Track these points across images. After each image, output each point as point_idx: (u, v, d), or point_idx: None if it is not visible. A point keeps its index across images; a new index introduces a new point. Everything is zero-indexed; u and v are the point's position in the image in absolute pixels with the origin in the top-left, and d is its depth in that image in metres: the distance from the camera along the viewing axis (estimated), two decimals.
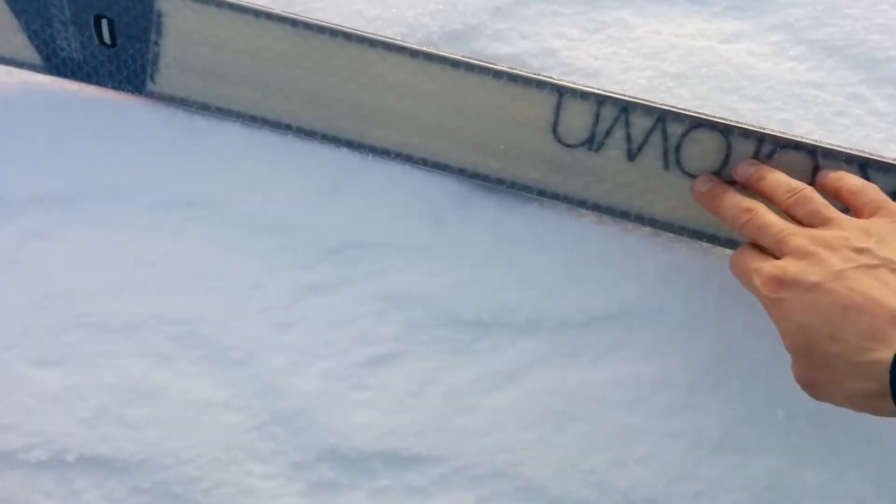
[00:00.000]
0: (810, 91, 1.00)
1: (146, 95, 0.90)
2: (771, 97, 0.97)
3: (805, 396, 0.71)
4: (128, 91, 0.91)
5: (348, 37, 0.83)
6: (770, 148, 0.74)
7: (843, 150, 0.74)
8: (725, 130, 0.75)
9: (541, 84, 0.79)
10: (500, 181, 0.83)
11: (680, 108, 0.76)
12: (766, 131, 0.74)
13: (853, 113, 0.95)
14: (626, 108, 0.78)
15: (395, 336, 0.83)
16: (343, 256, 0.85)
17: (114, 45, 0.89)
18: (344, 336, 0.83)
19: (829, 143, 0.75)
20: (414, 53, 0.82)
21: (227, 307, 0.86)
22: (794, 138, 0.74)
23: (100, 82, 0.92)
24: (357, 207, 0.88)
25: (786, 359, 0.74)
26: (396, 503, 0.75)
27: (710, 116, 0.75)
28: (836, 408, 0.73)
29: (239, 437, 0.78)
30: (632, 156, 0.79)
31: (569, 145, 0.80)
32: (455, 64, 0.81)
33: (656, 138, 0.77)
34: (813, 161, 0.74)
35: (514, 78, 0.80)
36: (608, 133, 0.79)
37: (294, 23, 0.84)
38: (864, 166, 0.73)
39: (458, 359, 0.80)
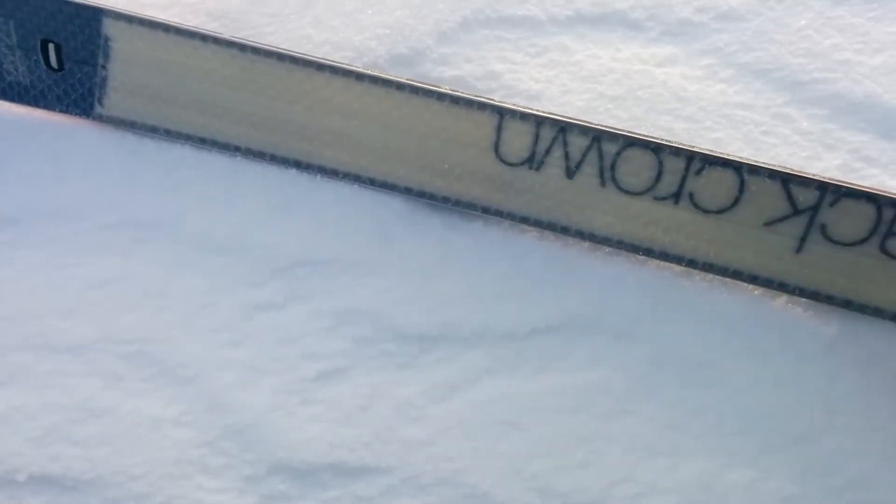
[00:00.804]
0: (739, 112, 1.06)
1: (94, 119, 0.92)
2: (703, 117, 1.03)
3: (735, 401, 0.76)
4: (76, 114, 0.93)
5: (295, 61, 0.87)
6: (699, 165, 0.79)
7: (766, 166, 0.80)
8: (657, 149, 0.80)
9: (482, 106, 0.84)
10: (445, 199, 0.88)
11: (614, 129, 0.81)
12: (694, 149, 0.79)
13: (780, 132, 1.02)
14: (563, 128, 0.83)
15: (344, 351, 0.86)
16: (292, 274, 0.88)
17: (61, 69, 0.92)
18: (293, 352, 0.86)
19: (754, 161, 0.81)
20: (360, 77, 0.86)
21: (176, 326, 0.88)
22: (721, 156, 0.80)
23: (47, 106, 0.94)
24: (306, 226, 0.92)
25: (715, 366, 0.80)
26: None
27: (643, 136, 0.80)
28: (764, 410, 0.78)
29: (189, 452, 0.80)
30: (570, 173, 0.84)
31: (510, 164, 0.85)
32: (400, 87, 0.85)
33: (593, 157, 0.82)
34: (739, 177, 0.80)
35: (456, 100, 0.84)
36: (547, 152, 0.84)
37: (242, 47, 0.88)
38: (787, 182, 0.79)
39: (405, 372, 0.84)
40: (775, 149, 0.99)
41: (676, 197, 0.81)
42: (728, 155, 0.80)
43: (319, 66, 0.83)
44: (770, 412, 0.78)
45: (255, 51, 0.83)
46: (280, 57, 0.83)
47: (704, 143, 0.98)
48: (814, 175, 0.78)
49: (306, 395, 0.82)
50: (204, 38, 0.83)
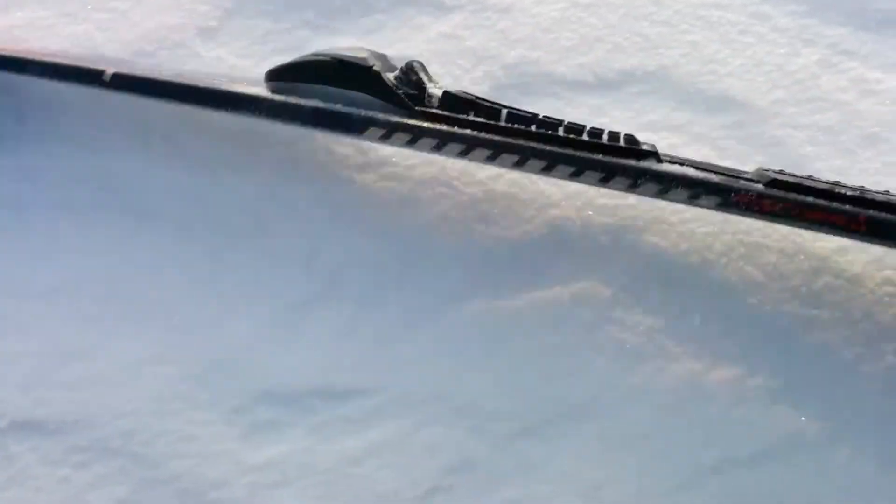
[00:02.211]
0: (715, 13, 1.05)
1: None
2: (678, 21, 1.02)
3: (719, 301, 0.77)
4: None
5: None
6: None
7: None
8: None
9: None
10: None
11: None
12: None
13: (757, 31, 1.01)
14: None
15: (323, 279, 0.86)
16: (260, 208, 0.89)
17: None
18: (272, 282, 0.87)
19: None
20: None
21: (149, 265, 0.89)
22: None
23: None
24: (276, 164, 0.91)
25: (700, 270, 0.81)
26: (335, 436, 0.78)
27: None
28: (748, 311, 0.79)
29: (176, 387, 0.81)
30: None
31: None
32: None
33: None
34: None
35: None
36: None
37: None
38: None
39: (386, 296, 0.84)
40: (752, 48, 0.98)
41: None
42: None
43: None
44: (753, 313, 0.79)
45: None
46: None
47: (681, 46, 0.98)
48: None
49: (288, 323, 0.83)
50: None
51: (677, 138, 0.90)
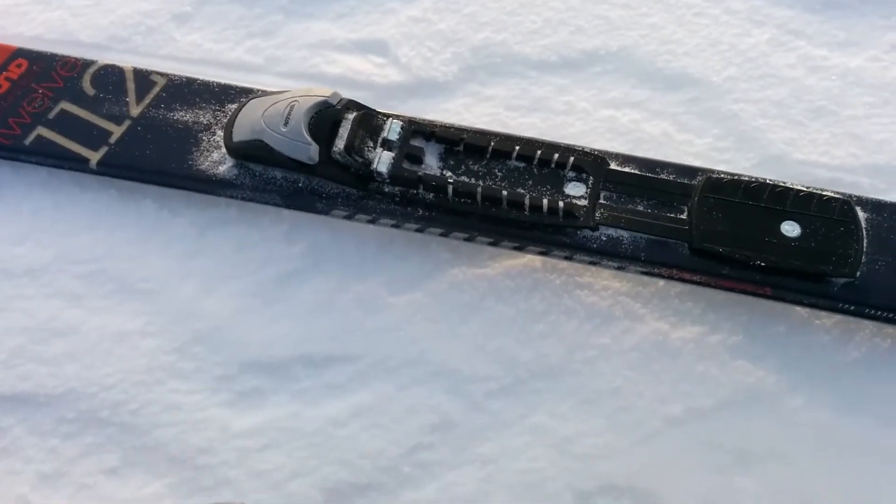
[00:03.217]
0: None
1: None
2: (638, 4, 1.07)
3: None
4: None
5: None
6: None
7: None
8: None
9: None
10: None
11: None
12: None
13: (711, 13, 1.06)
14: None
15: (301, 254, 0.89)
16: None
17: None
18: (251, 258, 0.89)
19: None
20: None
21: (131, 243, 0.91)
22: None
23: None
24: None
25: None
26: (319, 400, 0.81)
27: None
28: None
29: (160, 359, 0.83)
30: None
31: None
32: None
33: None
34: None
35: None
36: None
37: None
38: None
39: (364, 268, 0.87)
40: (707, 29, 1.03)
41: None
42: None
43: None
44: None
45: None
46: None
47: (640, 28, 1.02)
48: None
49: (269, 296, 0.86)
50: None
51: (638, 114, 0.95)
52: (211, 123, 0.91)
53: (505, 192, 0.82)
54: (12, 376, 0.81)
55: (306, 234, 0.90)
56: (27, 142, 0.92)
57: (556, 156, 0.85)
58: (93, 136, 0.93)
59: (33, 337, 0.84)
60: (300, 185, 0.87)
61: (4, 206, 0.93)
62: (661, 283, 0.85)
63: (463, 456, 0.77)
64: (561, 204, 0.81)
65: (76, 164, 0.92)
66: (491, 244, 0.85)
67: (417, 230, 0.86)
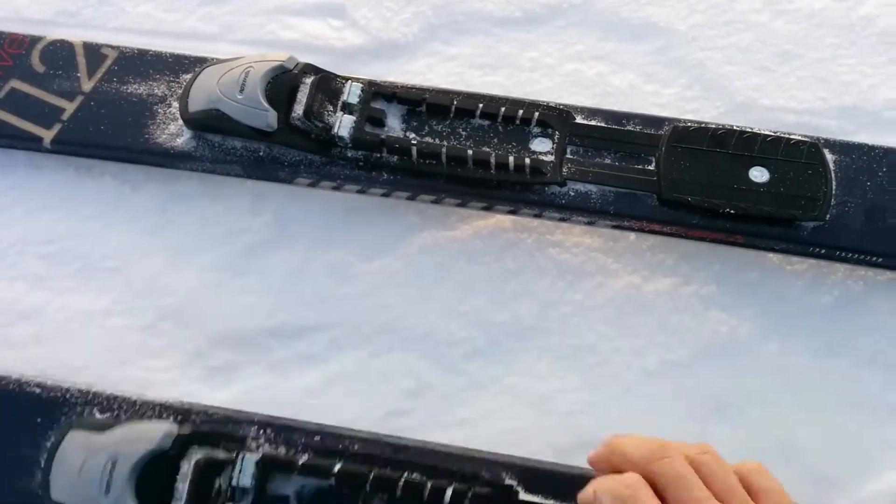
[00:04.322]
0: None
1: None
2: None
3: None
4: None
5: None
6: None
7: None
8: None
9: None
10: None
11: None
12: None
13: None
14: None
15: (267, 224, 0.89)
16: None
17: None
18: (217, 232, 0.90)
19: None
20: None
21: (93, 220, 0.90)
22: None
23: None
24: None
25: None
26: (294, 371, 0.82)
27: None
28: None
29: (129, 337, 0.84)
30: None
31: None
32: None
33: None
34: None
35: None
36: None
37: None
38: None
39: (333, 236, 0.88)
40: None
41: None
42: None
43: None
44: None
45: None
46: None
47: None
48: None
49: (237, 269, 0.86)
50: None
51: (604, 66, 0.96)
52: (166, 95, 0.91)
53: (470, 152, 0.82)
54: None
55: (271, 204, 0.90)
56: None
57: (521, 112, 0.85)
58: (45, 114, 0.92)
59: None
60: (261, 153, 0.87)
61: None
62: (633, 236, 0.86)
63: (441, 419, 0.78)
64: (527, 161, 0.82)
65: (30, 143, 0.92)
66: (459, 205, 0.86)
67: (384, 195, 0.86)
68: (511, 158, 0.82)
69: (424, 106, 0.86)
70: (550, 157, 0.84)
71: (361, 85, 0.86)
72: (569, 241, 0.87)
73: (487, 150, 0.85)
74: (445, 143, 0.86)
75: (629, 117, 0.88)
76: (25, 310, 0.85)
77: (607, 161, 0.85)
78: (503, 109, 0.86)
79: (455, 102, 0.86)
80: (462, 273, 0.86)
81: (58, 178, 0.94)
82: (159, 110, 0.92)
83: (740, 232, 0.81)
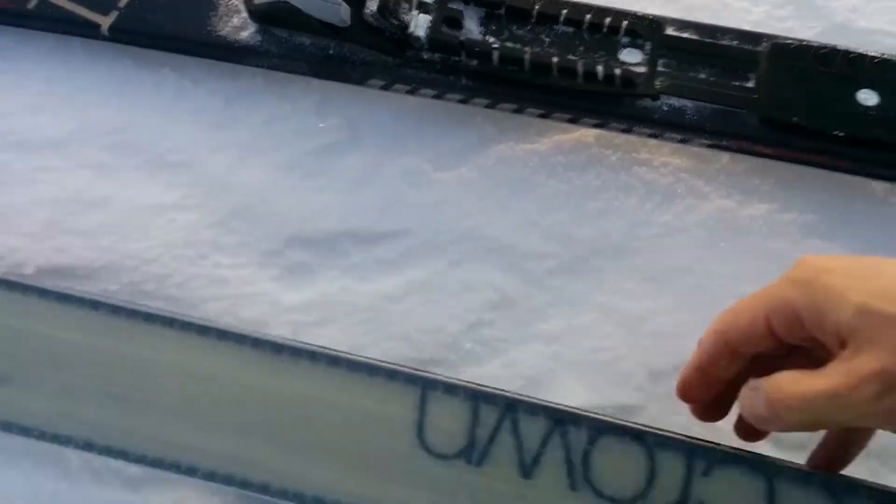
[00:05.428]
0: None
1: None
2: None
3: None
4: None
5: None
6: (702, 465, 0.62)
7: None
8: (639, 436, 0.65)
9: (393, 374, 0.65)
10: None
11: (580, 410, 0.63)
12: (690, 440, 0.62)
13: None
14: (511, 405, 0.64)
15: (339, 126, 0.88)
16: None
17: None
18: (285, 130, 0.88)
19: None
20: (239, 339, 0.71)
21: (157, 113, 0.89)
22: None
23: None
24: None
25: None
26: (371, 276, 0.82)
27: (620, 420, 0.62)
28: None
29: (200, 233, 0.83)
30: (526, 471, 0.64)
31: (440, 456, 0.63)
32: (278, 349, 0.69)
33: (556, 447, 0.62)
34: None
35: (357, 367, 0.66)
36: (492, 440, 0.65)
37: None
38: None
39: (406, 143, 0.88)
40: None
41: None
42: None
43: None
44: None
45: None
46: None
47: None
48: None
49: (308, 169, 0.85)
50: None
51: None
52: None
53: (555, 59, 0.80)
54: (48, 249, 0.81)
55: (340, 105, 0.89)
56: (30, 5, 0.90)
57: (609, 20, 0.84)
58: (100, 0, 0.90)
59: (65, 209, 0.83)
60: (331, 51, 0.85)
61: (14, 74, 0.92)
62: (726, 158, 0.85)
63: (526, 333, 0.78)
64: (618, 71, 0.80)
65: (86, 29, 0.90)
66: (542, 116, 0.85)
67: (461, 101, 0.85)
68: (600, 68, 0.81)
69: (504, 9, 0.84)
70: (642, 69, 0.83)
71: None
72: (656, 161, 0.86)
73: (574, 57, 0.83)
74: (528, 48, 0.83)
75: (723, 31, 0.86)
76: (93, 199, 0.85)
77: (702, 76, 0.84)
78: (588, 16, 0.84)
79: (537, 6, 0.84)
80: (543, 187, 0.85)
81: (116, 68, 0.92)
82: (220, 2, 0.89)
83: (847, 157, 0.80)
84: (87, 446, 0.66)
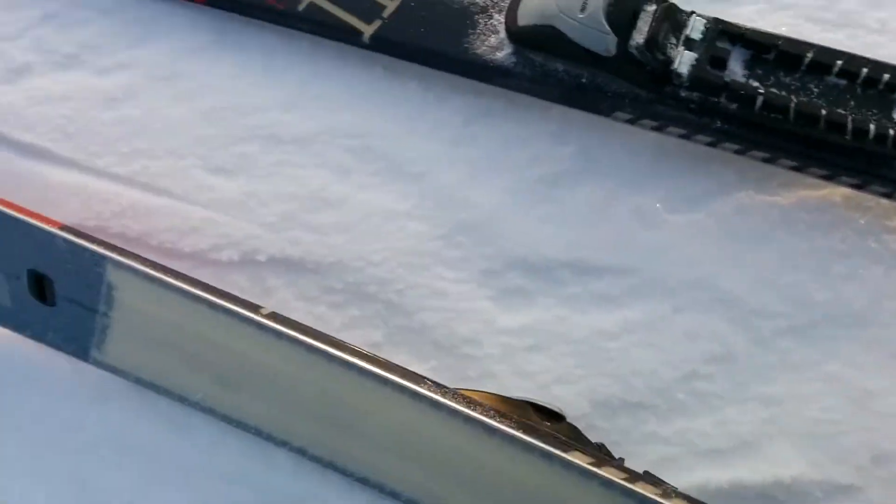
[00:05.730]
0: None
1: (91, 363, 0.85)
2: None
3: None
4: (69, 353, 0.86)
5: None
6: None
7: None
8: None
9: None
10: None
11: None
12: None
13: None
14: None
15: (572, 155, 0.88)
16: None
17: (52, 303, 0.85)
18: (521, 154, 0.89)
19: None
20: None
21: (399, 123, 0.92)
22: None
23: (34, 336, 0.88)
24: None
25: None
26: (589, 310, 0.81)
27: None
28: None
29: (425, 244, 0.85)
30: None
31: None
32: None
33: None
34: None
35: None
36: None
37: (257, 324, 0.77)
38: None
39: (641, 181, 0.86)
40: None
41: None
42: None
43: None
44: None
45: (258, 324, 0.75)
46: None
47: None
48: None
49: (538, 195, 0.85)
50: (208, 302, 0.77)
51: None
52: (488, 6, 0.91)
53: (824, 111, 0.76)
54: (281, 240, 0.85)
55: (577, 135, 0.89)
56: (300, 8, 0.94)
57: (887, 76, 0.78)
58: (366, 9, 0.94)
59: (302, 205, 0.88)
60: (583, 80, 0.85)
61: (272, 72, 0.97)
62: None
63: (744, 392, 0.75)
64: (892, 132, 0.75)
65: (349, 36, 0.94)
66: (794, 168, 0.81)
67: (709, 144, 0.83)
68: (872, 125, 0.76)
69: (773, 53, 0.81)
70: None
71: (705, 20, 0.82)
72: None
73: (844, 112, 0.78)
74: (794, 97, 0.80)
75: None
76: (330, 198, 0.89)
77: None
78: (865, 70, 0.79)
79: (810, 54, 0.80)
80: (782, 244, 0.81)
81: (365, 76, 0.96)
82: (480, 20, 0.91)
83: None
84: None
